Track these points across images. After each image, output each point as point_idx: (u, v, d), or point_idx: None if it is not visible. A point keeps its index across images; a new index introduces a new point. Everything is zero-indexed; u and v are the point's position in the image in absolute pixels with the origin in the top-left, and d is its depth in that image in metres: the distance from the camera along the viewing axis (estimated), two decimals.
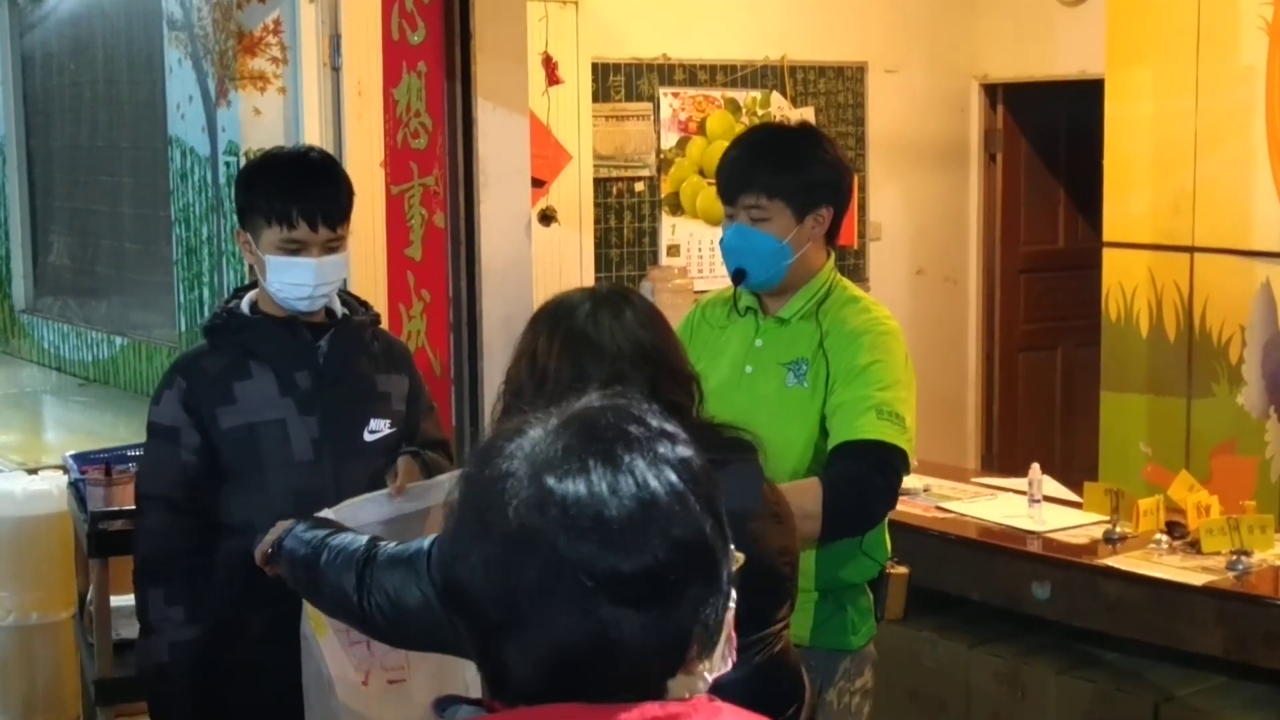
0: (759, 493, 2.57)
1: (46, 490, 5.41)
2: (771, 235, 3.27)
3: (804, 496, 2.99)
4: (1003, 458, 8.17)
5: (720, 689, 2.21)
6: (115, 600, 4.36)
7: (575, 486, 1.33)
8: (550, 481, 1.33)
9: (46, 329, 8.55)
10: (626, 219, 7.18)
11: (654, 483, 1.35)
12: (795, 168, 3.29)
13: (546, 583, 1.32)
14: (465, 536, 1.37)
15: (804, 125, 3.70)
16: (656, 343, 2.57)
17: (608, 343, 2.49)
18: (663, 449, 1.38)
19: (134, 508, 3.47)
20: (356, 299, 3.48)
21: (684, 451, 1.40)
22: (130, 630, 4.53)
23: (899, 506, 3.85)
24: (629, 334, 2.53)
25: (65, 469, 4.98)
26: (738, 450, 2.55)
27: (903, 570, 3.38)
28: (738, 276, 3.34)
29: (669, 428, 1.41)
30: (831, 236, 3.37)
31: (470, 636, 1.38)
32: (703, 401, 2.61)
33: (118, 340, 7.50)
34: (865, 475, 3.12)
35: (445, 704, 1.42)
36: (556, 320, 2.56)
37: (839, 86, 7.71)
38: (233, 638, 3.30)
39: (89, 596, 4.45)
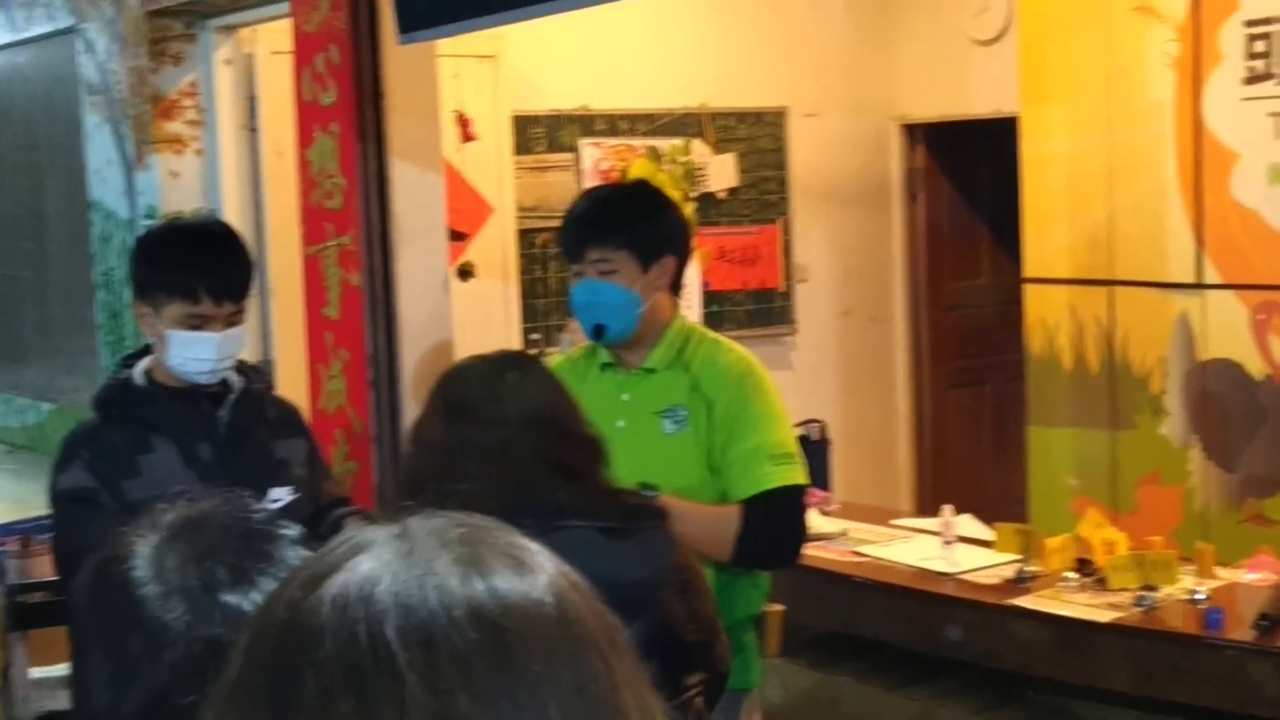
0: (666, 563, 2.59)
1: None
2: (620, 286, 3.32)
3: (725, 525, 3.17)
4: (937, 494, 8.14)
5: None
6: (35, 672, 4.34)
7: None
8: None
9: None
10: (552, 268, 7.19)
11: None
12: (638, 220, 3.37)
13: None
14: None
15: (641, 182, 3.80)
16: (551, 406, 2.58)
17: (491, 409, 2.50)
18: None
19: (55, 578, 3.40)
20: (249, 365, 3.47)
21: None
22: (52, 702, 4.51)
23: (818, 553, 3.95)
24: (521, 397, 2.54)
25: None
26: (644, 518, 2.57)
27: (778, 607, 3.51)
28: (596, 333, 3.38)
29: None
30: (675, 287, 3.45)
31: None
32: (607, 463, 2.63)
33: (45, 406, 7.45)
34: (778, 526, 3.28)
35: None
36: (445, 388, 2.57)
37: (760, 132, 7.75)
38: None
39: (8, 670, 4.43)
